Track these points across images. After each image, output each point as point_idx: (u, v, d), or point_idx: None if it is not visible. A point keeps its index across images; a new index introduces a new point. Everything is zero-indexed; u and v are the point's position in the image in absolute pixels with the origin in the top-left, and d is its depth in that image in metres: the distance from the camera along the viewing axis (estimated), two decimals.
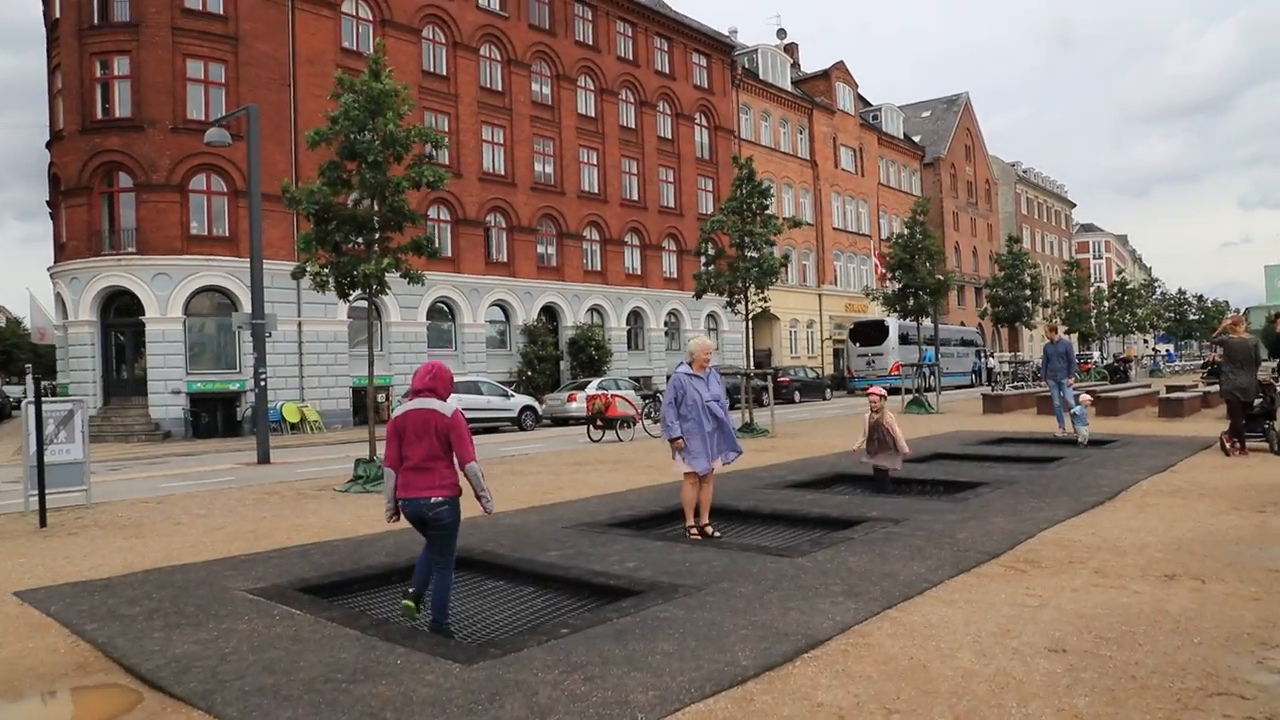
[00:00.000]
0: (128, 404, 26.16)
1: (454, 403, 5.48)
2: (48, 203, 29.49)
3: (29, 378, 10.47)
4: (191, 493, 12.36)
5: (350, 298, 13.30)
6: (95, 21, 26.74)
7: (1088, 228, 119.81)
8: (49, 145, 28.49)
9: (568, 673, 4.47)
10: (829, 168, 54.15)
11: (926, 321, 29.95)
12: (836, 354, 52.71)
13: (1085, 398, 15.60)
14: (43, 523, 9.70)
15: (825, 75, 55.57)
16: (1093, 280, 78.16)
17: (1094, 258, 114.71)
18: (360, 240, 12.89)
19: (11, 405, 42.60)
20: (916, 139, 68.42)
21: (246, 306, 23.31)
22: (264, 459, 16.75)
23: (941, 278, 27.96)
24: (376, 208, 12.77)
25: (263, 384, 17.48)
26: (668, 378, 8.25)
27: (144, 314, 25.88)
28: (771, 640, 4.89)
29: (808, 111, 52.74)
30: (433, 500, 5.28)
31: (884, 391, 10.91)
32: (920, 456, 13.95)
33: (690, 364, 8.05)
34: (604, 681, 4.33)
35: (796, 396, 36.95)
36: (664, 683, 4.29)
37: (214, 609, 5.86)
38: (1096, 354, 58.66)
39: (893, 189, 61.58)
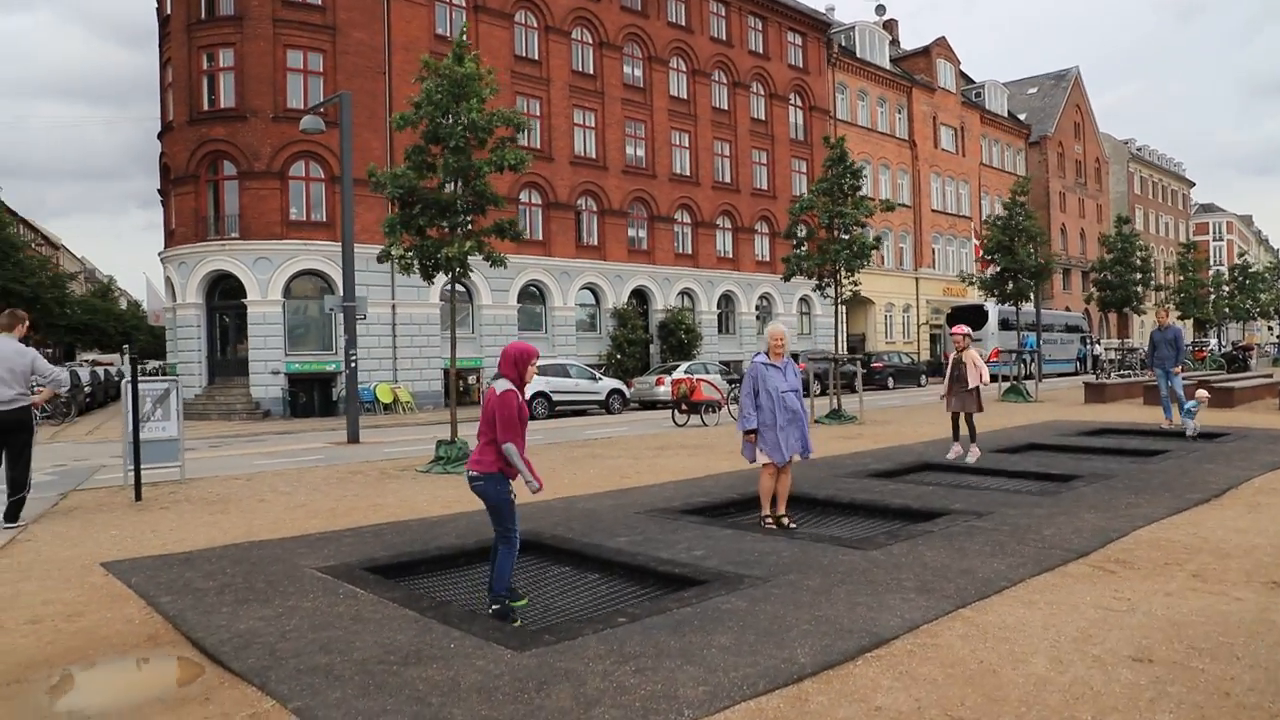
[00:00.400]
0: (230, 383, 27.17)
1: (511, 386, 5.42)
2: (159, 191, 30.76)
3: (126, 358, 10.89)
4: (280, 470, 12.70)
5: (435, 280, 13.43)
6: (203, 16, 27.68)
7: (1207, 208, 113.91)
8: (160, 136, 29.72)
9: (619, 663, 4.36)
10: (928, 148, 52.65)
11: (1028, 306, 28.89)
12: (934, 339, 51.38)
13: (1202, 393, 14.67)
14: (138, 497, 10.07)
15: (925, 52, 53.99)
16: (1211, 263, 74.26)
17: (1213, 239, 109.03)
18: (445, 224, 12.99)
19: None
20: (1022, 116, 65.96)
21: (342, 290, 23.87)
22: (354, 438, 17.14)
23: (1043, 261, 26.90)
24: (460, 191, 12.85)
25: (354, 365, 17.87)
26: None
27: (246, 297, 26.82)
28: (834, 637, 4.69)
29: (907, 90, 51.33)
30: (471, 474, 5.48)
31: (969, 330, 11.31)
32: (1013, 446, 13.44)
33: (767, 353, 7.85)
34: (655, 674, 4.21)
35: (890, 383, 36.13)
36: (716, 678, 4.15)
37: (283, 586, 5.94)
38: (1214, 341, 55.81)
39: (995, 169, 59.52)
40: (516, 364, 5.47)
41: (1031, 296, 27.39)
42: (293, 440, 18.42)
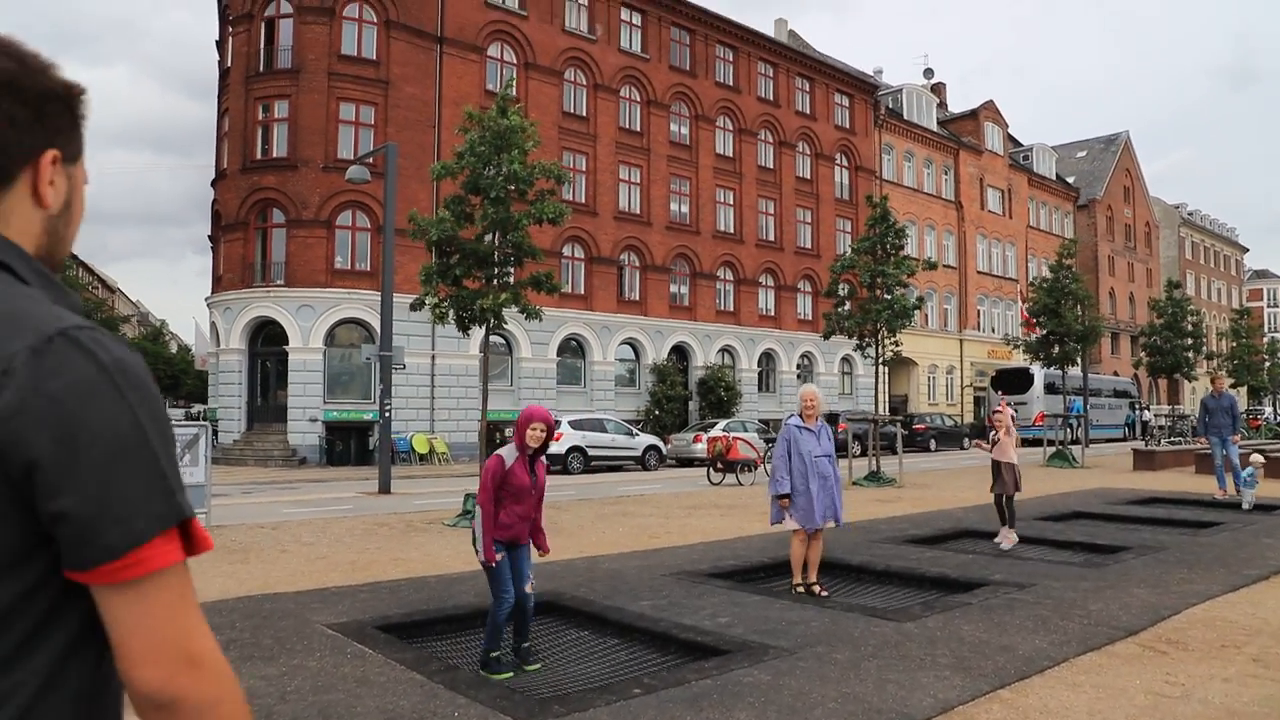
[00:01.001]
0: (269, 429, 27.32)
1: (504, 450, 5.60)
2: (209, 237, 31.40)
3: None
4: (307, 520, 12.60)
5: (470, 331, 13.39)
6: (261, 69, 28.45)
7: (1262, 274, 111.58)
8: (213, 184, 30.41)
9: None
10: (974, 209, 52.31)
11: (1075, 370, 28.26)
12: (977, 402, 50.48)
13: (1256, 458, 14.08)
14: None
15: (973, 115, 53.93)
16: (1266, 330, 72.48)
17: (1268, 305, 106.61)
18: (482, 275, 12.98)
19: None
20: (1070, 180, 65.44)
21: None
22: (384, 489, 17.02)
23: (1090, 324, 26.35)
24: (498, 242, 12.85)
25: (388, 415, 17.84)
26: None
27: (288, 344, 27.09)
28: (860, 718, 4.40)
29: (954, 152, 51.21)
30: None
31: (1011, 411, 10.83)
32: (1057, 515, 12.96)
33: (800, 414, 7.62)
34: None
35: (932, 445, 35.45)
36: None
37: (290, 643, 5.76)
38: (1269, 409, 54.20)
39: (1043, 231, 58.91)
40: (519, 427, 5.53)
41: (1078, 360, 26.78)
42: (325, 489, 18.37)
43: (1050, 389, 37.91)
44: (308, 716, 4.43)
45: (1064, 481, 18.90)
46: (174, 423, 1.12)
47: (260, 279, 27.86)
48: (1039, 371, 37.88)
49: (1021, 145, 61.05)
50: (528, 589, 5.69)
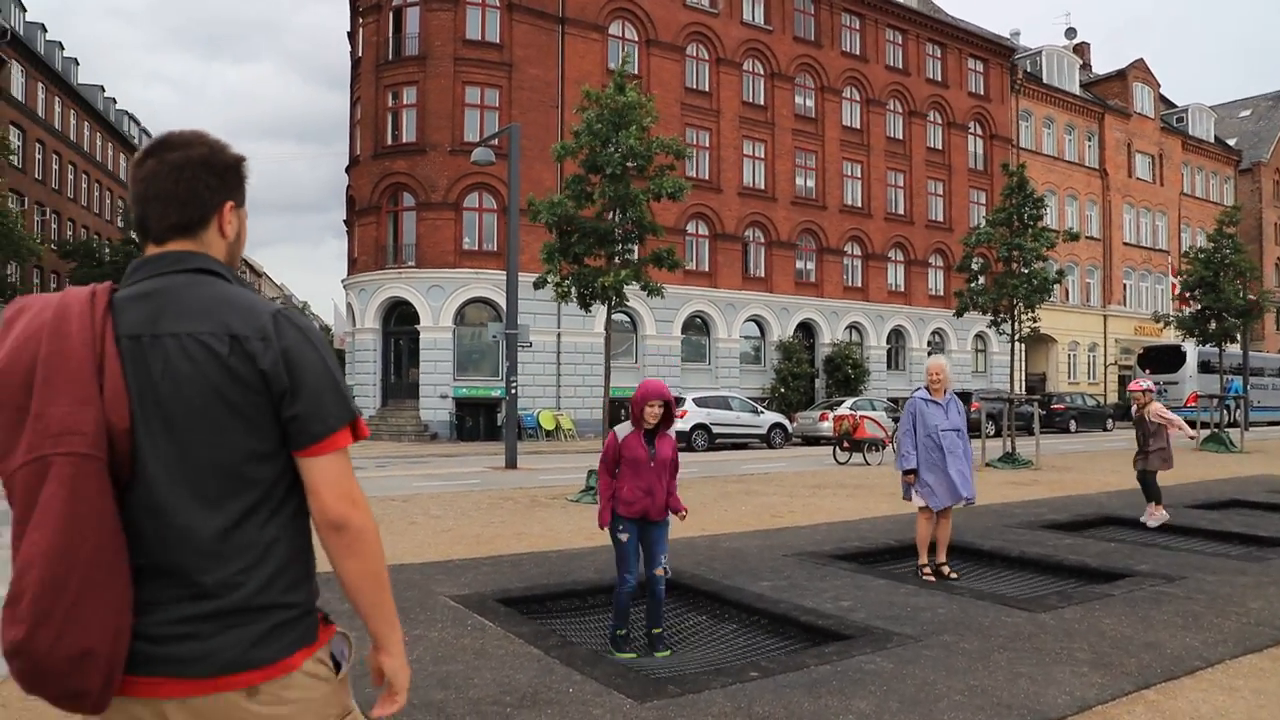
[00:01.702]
0: (402, 406, 28.32)
1: (620, 426, 5.68)
2: (345, 221, 32.64)
3: None
4: (435, 493, 12.94)
5: (592, 309, 13.44)
6: (390, 57, 29.28)
7: None
8: (348, 170, 31.55)
9: None
10: (1120, 177, 49.43)
11: (1234, 348, 26.42)
12: (1122, 381, 47.91)
13: None
14: None
15: (1121, 76, 50.82)
16: None
17: None
18: (603, 252, 13.00)
19: None
20: (1231, 142, 60.99)
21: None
22: (511, 464, 17.37)
23: (1253, 298, 24.55)
24: (618, 219, 12.83)
25: (514, 391, 18.16)
26: None
27: (419, 323, 27.94)
28: (990, 713, 4.17)
29: (1098, 116, 48.45)
30: None
31: (1149, 385, 10.33)
32: (1212, 502, 12.11)
33: (926, 388, 7.32)
34: None
35: (1072, 426, 33.84)
36: None
37: (414, 613, 5.87)
38: None
39: (1199, 199, 55.15)
40: (635, 403, 5.51)
41: (1238, 337, 24.97)
42: (455, 463, 18.87)
43: (1205, 368, 35.59)
44: (426, 686, 4.49)
45: (1220, 467, 17.71)
46: None
47: (392, 260, 28.81)
48: (1192, 349, 35.62)
49: (1175, 106, 57.25)
50: (658, 572, 5.60)
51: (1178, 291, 28.20)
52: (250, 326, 1.61)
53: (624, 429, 5.57)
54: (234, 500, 1.60)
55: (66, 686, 1.49)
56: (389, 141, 29.20)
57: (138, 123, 61.35)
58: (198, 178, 1.70)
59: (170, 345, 1.60)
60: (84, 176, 49.23)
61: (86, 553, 1.48)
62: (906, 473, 7.25)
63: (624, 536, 5.52)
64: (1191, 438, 10.55)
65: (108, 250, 42.13)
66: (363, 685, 1.94)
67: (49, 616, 1.46)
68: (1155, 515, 10.00)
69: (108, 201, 53.12)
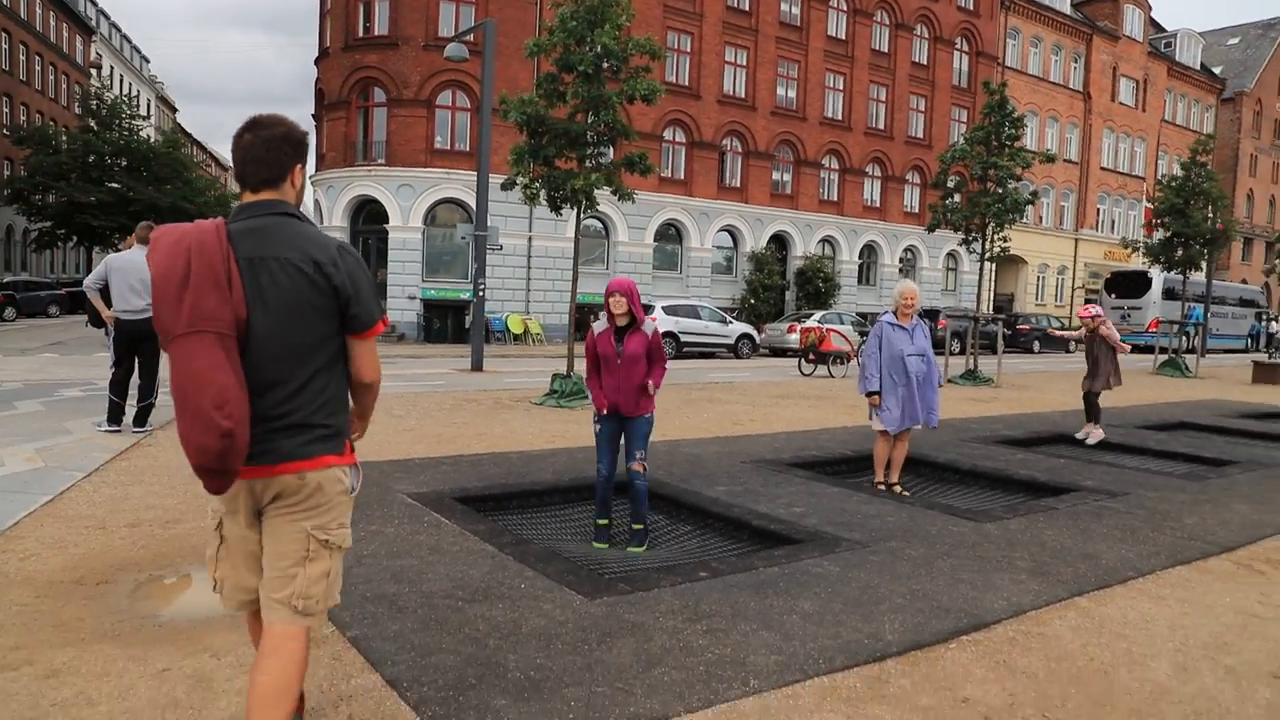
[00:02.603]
0: None
1: (597, 322, 5.84)
2: (313, 116, 31.73)
3: None
4: (400, 393, 12.93)
5: (562, 212, 13.28)
6: None
7: None
8: (316, 62, 30.55)
9: (691, 621, 4.12)
10: (1104, 101, 49.04)
11: (1198, 276, 26.67)
12: (1088, 305, 48.42)
13: None
14: None
15: None
16: None
17: None
18: (574, 155, 12.77)
19: None
20: (1217, 70, 60.48)
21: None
22: (477, 367, 17.36)
23: (1221, 227, 24.70)
24: (590, 122, 12.58)
25: (482, 294, 18.04)
26: None
27: (388, 222, 27.49)
28: (928, 615, 4.31)
29: (1086, 37, 47.75)
30: None
31: (1097, 310, 10.71)
32: (1161, 424, 12.42)
33: (894, 312, 7.34)
34: (726, 637, 3.95)
35: (1036, 347, 34.26)
36: (791, 647, 3.85)
37: (371, 510, 5.92)
38: None
39: (1179, 126, 54.88)
40: (605, 299, 5.67)
41: (1203, 265, 25.20)
42: (421, 365, 18.82)
43: (1169, 294, 36.01)
44: (380, 580, 4.56)
45: (1173, 391, 18.09)
46: None
47: (362, 158, 28.17)
48: (1158, 275, 36.01)
49: (1164, 31, 56.55)
50: (633, 466, 5.73)
51: (1150, 218, 28.30)
52: (325, 255, 2.53)
53: (599, 326, 5.72)
54: (308, 363, 2.55)
55: (217, 467, 2.40)
56: (360, 34, 28.21)
57: (94, 3, 58.85)
58: (280, 148, 2.58)
59: (273, 265, 2.48)
60: (37, 59, 47.35)
61: (227, 393, 2.38)
62: (869, 394, 7.31)
63: (597, 427, 5.82)
64: (1124, 350, 10.71)
65: (65, 138, 40.80)
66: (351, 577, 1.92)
67: (215, 428, 2.35)
68: (1094, 434, 10.41)
69: (64, 86, 51.27)
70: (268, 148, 2.55)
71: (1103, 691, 3.55)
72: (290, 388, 2.50)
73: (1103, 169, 49.79)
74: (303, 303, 2.48)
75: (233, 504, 2.61)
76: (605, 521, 5.91)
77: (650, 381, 5.65)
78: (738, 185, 34.58)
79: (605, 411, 5.73)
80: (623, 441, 5.79)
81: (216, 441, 2.34)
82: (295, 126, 2.63)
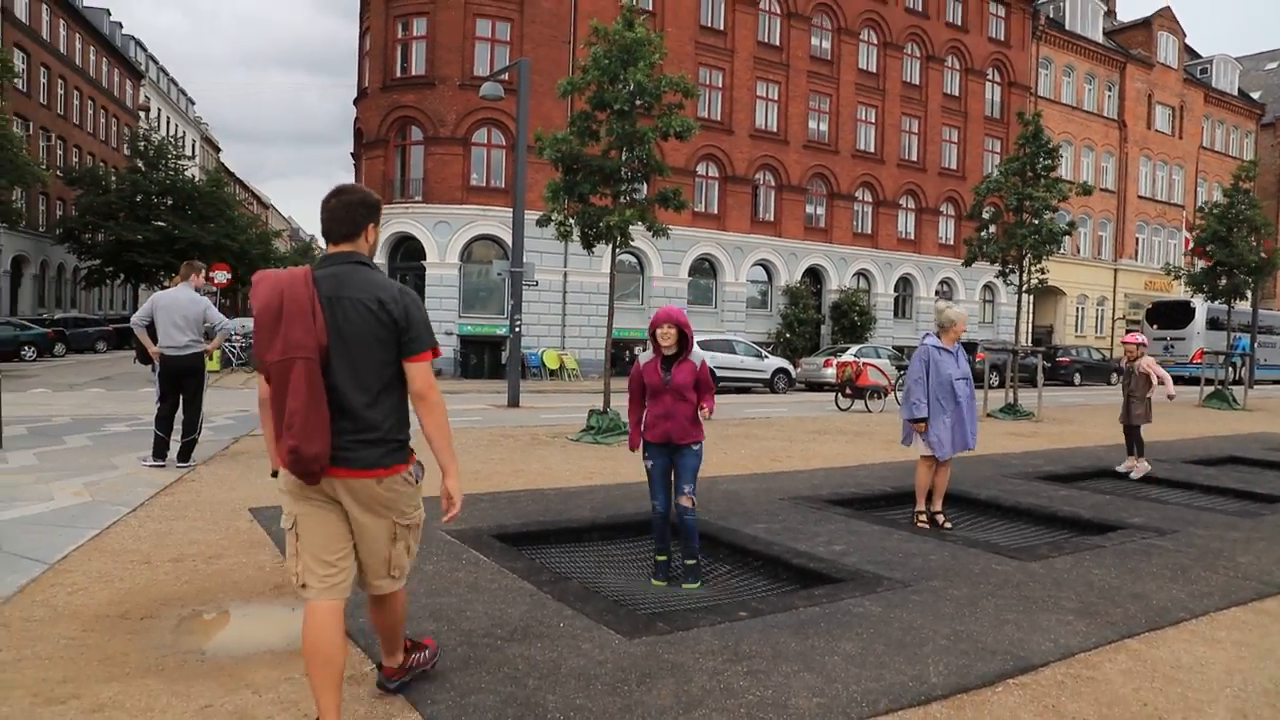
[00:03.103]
0: None
1: (643, 354, 5.85)
2: (352, 154, 32.33)
3: None
4: None
5: (595, 248, 13.36)
6: None
7: None
8: (356, 102, 31.15)
9: (731, 662, 4.06)
10: (1139, 129, 48.65)
11: (1244, 305, 26.21)
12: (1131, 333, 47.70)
13: None
14: None
15: (1146, 24, 49.68)
16: None
17: None
18: (608, 191, 12.87)
19: None
20: (1255, 95, 59.81)
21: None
22: (513, 402, 17.43)
23: (1266, 255, 24.30)
24: (624, 158, 12.69)
25: (518, 330, 18.16)
26: None
27: (425, 259, 27.82)
28: (973, 657, 4.22)
29: (1120, 65, 47.51)
30: None
31: (1143, 339, 10.59)
32: (1210, 458, 12.14)
33: (939, 335, 7.26)
34: (767, 679, 3.89)
35: (1076, 379, 33.82)
36: (834, 689, 3.79)
37: None
38: None
39: (1218, 153, 54.24)
40: (650, 329, 5.71)
41: (1249, 294, 24.77)
42: (458, 400, 18.93)
43: (1213, 324, 35.43)
44: (419, 618, 4.55)
45: (1221, 424, 17.73)
46: None
47: (399, 195, 28.60)
48: (1201, 305, 35.45)
49: (1200, 57, 56.11)
50: (683, 502, 5.62)
51: (1191, 246, 27.91)
52: (387, 295, 3.13)
53: (645, 356, 5.72)
54: (375, 385, 3.14)
55: (310, 468, 2.99)
56: (398, 74, 28.77)
57: (144, 48, 60.57)
58: (356, 210, 3.23)
59: (347, 304, 3.09)
60: (90, 103, 48.76)
61: (315, 407, 2.99)
62: (917, 421, 7.19)
63: (648, 463, 5.73)
64: (1170, 397, 10.56)
65: (114, 178, 41.86)
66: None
67: (305, 436, 2.96)
68: (1139, 468, 10.21)
69: (114, 128, 52.68)
70: (347, 210, 3.21)
71: None
72: (364, 400, 3.10)
73: (1140, 197, 49.28)
74: (369, 333, 3.10)
75: (319, 493, 3.14)
76: (664, 557, 5.81)
77: (705, 407, 5.63)
78: (771, 219, 34.63)
79: (634, 449, 5.77)
80: (672, 477, 5.71)
81: (286, 454, 2.98)
82: (370, 194, 3.31)
